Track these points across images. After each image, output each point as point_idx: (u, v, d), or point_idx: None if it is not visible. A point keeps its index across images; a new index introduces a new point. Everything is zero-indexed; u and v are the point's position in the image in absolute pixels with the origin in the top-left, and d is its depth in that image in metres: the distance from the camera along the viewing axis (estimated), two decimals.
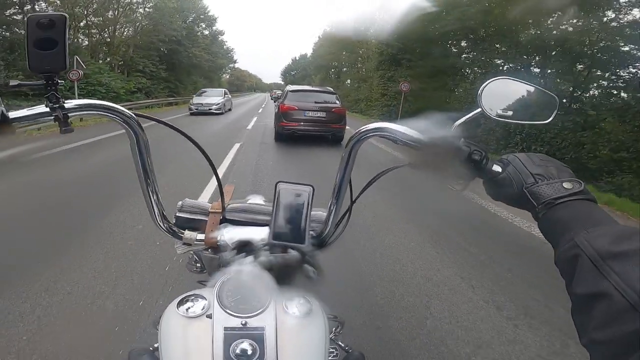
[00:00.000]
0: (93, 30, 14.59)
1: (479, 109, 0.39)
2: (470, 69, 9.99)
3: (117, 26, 15.31)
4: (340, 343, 0.55)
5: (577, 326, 0.28)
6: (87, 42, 14.14)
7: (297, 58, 66.19)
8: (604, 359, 0.25)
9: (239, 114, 12.83)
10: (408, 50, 11.77)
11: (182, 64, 20.95)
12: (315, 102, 6.07)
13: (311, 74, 41.77)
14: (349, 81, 23.93)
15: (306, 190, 0.45)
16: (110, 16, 14.97)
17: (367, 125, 0.42)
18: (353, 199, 0.48)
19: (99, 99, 0.39)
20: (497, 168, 0.37)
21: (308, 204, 0.44)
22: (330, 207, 0.48)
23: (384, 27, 14.06)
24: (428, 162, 0.39)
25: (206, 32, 26.56)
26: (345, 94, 19.11)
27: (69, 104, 0.37)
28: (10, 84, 0.37)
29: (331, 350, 0.54)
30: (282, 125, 5.93)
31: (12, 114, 0.35)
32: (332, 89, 6.87)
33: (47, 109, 0.36)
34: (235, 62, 44.65)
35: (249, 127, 8.32)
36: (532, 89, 0.41)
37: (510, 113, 0.40)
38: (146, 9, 16.72)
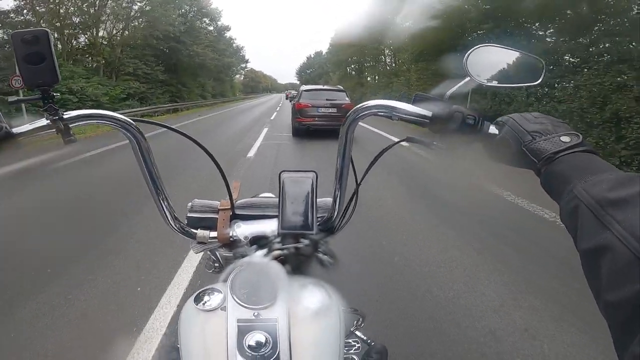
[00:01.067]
0: (69, 31, 12.85)
1: (467, 78, 0.42)
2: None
3: (105, 24, 13.68)
4: (362, 336, 0.57)
5: (592, 290, 0.27)
6: (60, 45, 12.51)
7: (312, 56, 67.97)
8: (621, 323, 0.23)
9: (238, 128, 9.32)
10: (459, 35, 9.17)
11: (183, 64, 19.22)
12: (327, 100, 7.31)
13: (328, 70, 41.22)
14: (371, 77, 22.43)
15: (309, 176, 0.48)
16: (91, 12, 13.34)
17: (362, 103, 0.45)
18: (358, 182, 0.51)
19: (73, 109, 0.42)
20: (493, 130, 0.40)
21: (313, 190, 0.47)
22: (335, 192, 0.51)
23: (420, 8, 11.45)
24: (425, 133, 0.42)
25: (210, 28, 24.89)
26: (373, 91, 17.38)
27: (68, 114, 0.41)
28: (9, 100, 0.42)
29: (353, 343, 0.56)
30: (299, 121, 7.18)
31: (16, 130, 0.39)
32: (342, 87, 8.50)
33: (48, 122, 0.39)
34: (247, 61, 44.98)
35: (250, 155, 5.18)
36: (516, 53, 0.44)
37: (497, 78, 0.43)
38: (137, 2, 14.89)
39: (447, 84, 0.43)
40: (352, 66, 27.19)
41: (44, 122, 0.40)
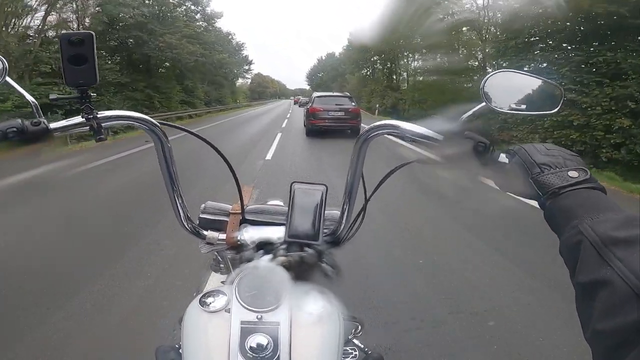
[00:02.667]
0: None
1: (484, 103, 0.48)
2: None
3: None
4: (359, 344, 0.63)
5: (580, 319, 0.31)
6: None
7: (324, 58, 66.61)
8: (607, 351, 0.28)
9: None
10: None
11: (154, 61, 15.22)
12: (336, 105, 9.85)
13: (344, 72, 39.80)
14: (411, 77, 18.98)
15: (320, 189, 0.55)
16: None
17: (374, 123, 0.52)
18: (367, 197, 0.58)
19: None
20: (503, 159, 0.45)
21: (322, 203, 0.54)
22: (343, 206, 0.58)
23: None
24: (436, 156, 0.47)
25: (196, 16, 20.09)
26: (415, 99, 15.14)
27: (102, 114, 0.49)
28: (50, 97, 0.49)
29: (350, 351, 0.61)
30: (312, 122, 9.82)
31: (53, 125, 0.46)
32: (349, 94, 11.76)
33: (83, 120, 0.47)
34: (251, 62, 40.98)
35: None
36: (535, 80, 0.50)
37: (514, 105, 0.49)
38: None
39: (463, 107, 0.48)
40: (378, 66, 24.28)
41: (79, 119, 0.47)
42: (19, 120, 0.45)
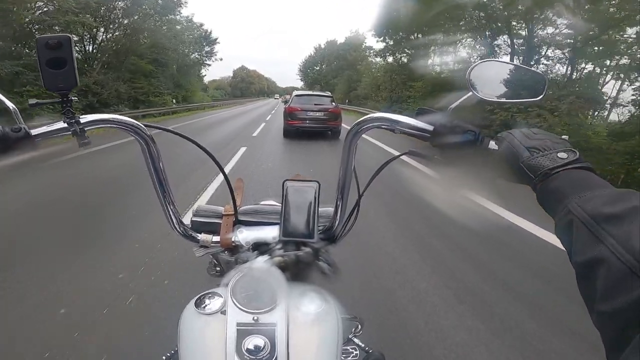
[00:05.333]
0: None
1: (470, 92, 0.53)
2: None
3: None
4: (360, 343, 0.69)
5: (585, 301, 0.34)
6: None
7: (323, 46, 58.00)
8: (613, 333, 0.29)
9: None
10: None
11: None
12: (315, 104, 10.12)
13: (356, 61, 34.52)
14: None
15: (312, 186, 0.61)
16: None
17: (364, 117, 0.58)
18: (360, 193, 0.64)
19: None
20: (493, 146, 0.51)
21: (315, 200, 0.60)
22: (336, 202, 0.65)
23: None
24: (426, 147, 0.54)
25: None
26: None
27: (84, 118, 0.52)
28: (29, 103, 0.52)
29: (351, 350, 0.68)
30: (289, 123, 9.97)
31: (34, 131, 0.50)
32: (329, 93, 11.92)
33: (65, 125, 0.50)
34: (214, 41, 33.80)
35: None
36: (518, 69, 0.57)
37: (500, 93, 0.55)
38: None
39: (450, 98, 0.53)
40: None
41: (61, 124, 0.51)
42: None
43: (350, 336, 0.71)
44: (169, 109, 20.46)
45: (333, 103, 10.60)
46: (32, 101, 0.51)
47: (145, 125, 0.59)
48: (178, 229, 0.67)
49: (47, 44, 0.47)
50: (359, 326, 0.74)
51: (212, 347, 0.45)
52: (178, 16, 24.92)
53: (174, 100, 23.27)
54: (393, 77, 21.34)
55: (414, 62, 20.10)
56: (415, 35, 20.23)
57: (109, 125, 0.56)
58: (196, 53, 32.83)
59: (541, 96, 0.56)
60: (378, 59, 27.00)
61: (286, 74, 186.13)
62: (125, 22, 18.56)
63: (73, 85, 0.48)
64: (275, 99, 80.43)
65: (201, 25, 32.92)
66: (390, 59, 24.40)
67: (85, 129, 0.53)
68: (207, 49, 34.68)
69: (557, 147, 0.45)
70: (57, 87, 0.48)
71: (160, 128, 0.66)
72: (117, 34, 18.64)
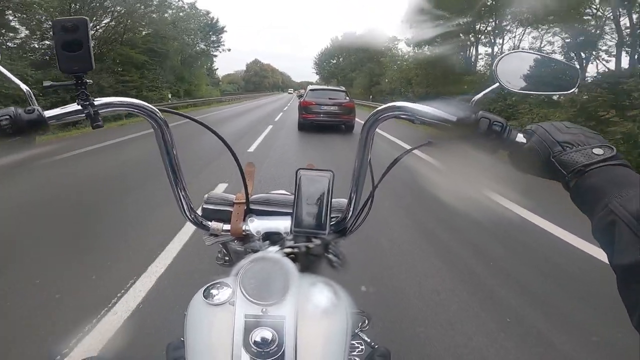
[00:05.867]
0: None
1: (497, 84, 0.53)
2: None
3: None
4: (366, 338, 0.70)
5: (625, 304, 0.33)
6: None
7: (340, 37, 56.47)
8: None
9: None
10: None
11: None
12: (330, 99, 10.69)
13: (378, 52, 31.10)
14: None
15: (326, 175, 0.61)
16: None
17: (382, 106, 0.57)
18: (375, 184, 0.64)
19: None
20: (521, 139, 0.49)
21: (328, 191, 0.60)
22: (350, 194, 0.64)
23: None
24: (449, 138, 0.53)
25: None
26: None
27: (99, 101, 0.53)
28: (44, 84, 0.54)
29: (357, 345, 0.69)
30: (304, 116, 10.66)
31: (47, 113, 0.51)
32: (343, 88, 12.38)
33: (79, 107, 0.52)
34: (221, 30, 31.58)
35: None
36: (549, 60, 0.55)
37: (528, 85, 0.54)
38: None
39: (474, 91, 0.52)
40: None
41: (75, 107, 0.53)
42: (12, 109, 0.49)
43: (356, 331, 0.72)
44: (164, 106, 14.58)
45: (347, 98, 11.12)
46: (47, 83, 0.53)
47: (161, 110, 0.60)
48: (189, 216, 0.68)
49: (63, 27, 0.48)
50: (366, 321, 0.75)
51: (220, 338, 0.46)
52: (180, 2, 23.23)
53: (170, 95, 21.22)
54: (429, 71, 18.57)
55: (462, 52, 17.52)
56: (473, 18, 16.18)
57: (123, 108, 0.57)
58: (202, 43, 30.25)
59: (573, 89, 0.55)
60: (408, 49, 24.40)
61: (301, 69, 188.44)
62: (110, 5, 17.00)
63: (88, 68, 0.49)
64: (289, 93, 79.91)
65: (207, 13, 30.08)
66: (425, 49, 20.88)
67: (100, 111, 0.54)
68: (213, 38, 31.77)
69: (591, 142, 0.44)
70: (72, 70, 0.50)
71: (174, 112, 0.68)
72: (105, 20, 17.29)
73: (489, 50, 16.79)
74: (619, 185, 0.38)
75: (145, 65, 19.03)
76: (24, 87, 0.51)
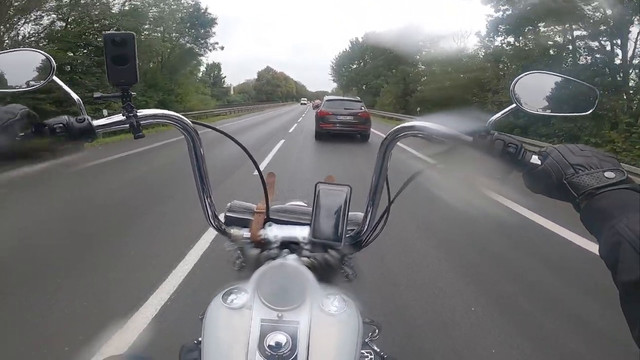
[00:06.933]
0: None
1: (514, 105, 0.57)
2: None
3: None
4: (375, 348, 0.75)
5: (627, 320, 0.36)
6: None
7: (361, 39, 52.65)
8: None
9: None
10: None
11: None
12: (345, 109, 11.87)
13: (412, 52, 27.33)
14: None
15: (344, 190, 0.67)
16: None
17: (400, 125, 0.62)
18: (391, 200, 0.70)
19: None
20: (535, 160, 0.53)
21: (346, 204, 0.66)
22: (367, 208, 0.70)
23: None
24: (464, 158, 0.57)
25: None
26: None
27: (142, 112, 0.60)
28: (94, 96, 0.61)
29: (366, 354, 0.73)
30: (321, 126, 11.78)
31: (95, 123, 0.58)
32: (359, 98, 13.70)
33: (124, 118, 0.58)
34: (212, 22, 25.25)
35: None
36: (567, 81, 0.58)
37: (546, 106, 0.57)
38: None
39: (490, 109, 0.61)
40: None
41: (120, 117, 0.59)
42: (65, 117, 0.56)
43: (366, 340, 0.76)
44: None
45: (363, 108, 12.32)
46: (97, 94, 0.60)
47: (193, 122, 0.68)
48: (213, 222, 0.75)
49: (114, 41, 0.55)
50: (377, 330, 0.79)
51: (235, 341, 0.51)
52: None
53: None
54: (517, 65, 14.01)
55: None
56: None
57: (162, 120, 0.65)
58: (184, 39, 24.08)
59: (591, 110, 0.58)
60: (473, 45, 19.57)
61: (316, 78, 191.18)
62: None
63: (134, 81, 0.56)
64: (302, 104, 75.71)
65: (195, 3, 24.13)
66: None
67: (141, 122, 0.60)
68: (202, 30, 25.11)
69: (604, 165, 0.47)
70: (120, 82, 0.57)
71: (205, 125, 0.75)
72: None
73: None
74: (627, 208, 0.42)
75: (77, 67, 14.94)
76: (76, 97, 0.59)
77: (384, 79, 36.71)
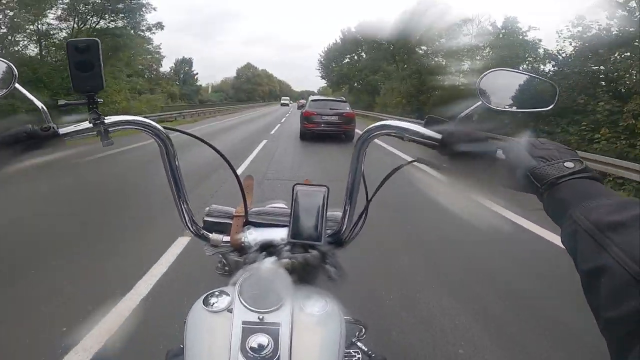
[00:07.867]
0: None
1: (480, 102, 0.61)
2: None
3: None
4: (363, 347, 0.78)
5: (592, 309, 0.38)
6: None
7: (354, 29, 44.81)
8: (617, 341, 0.33)
9: None
10: None
11: None
12: (331, 109, 12.31)
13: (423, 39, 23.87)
14: None
15: (321, 190, 0.72)
16: None
17: (373, 124, 0.67)
18: (369, 198, 0.74)
19: None
20: (500, 155, 0.57)
21: (323, 204, 0.70)
22: (344, 207, 0.74)
23: None
24: (434, 155, 0.61)
25: None
26: None
27: (109, 119, 0.61)
28: (59, 103, 0.61)
29: (353, 353, 0.77)
30: (306, 126, 12.22)
31: (62, 130, 0.58)
32: (344, 98, 14.09)
33: (91, 125, 0.59)
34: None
35: None
36: (529, 78, 0.63)
37: (510, 102, 0.61)
38: None
39: (460, 107, 0.60)
40: None
41: (87, 125, 0.60)
42: (29, 126, 0.57)
43: (353, 340, 0.80)
44: None
45: (347, 108, 12.75)
46: (62, 101, 0.62)
47: (164, 128, 0.69)
48: (191, 228, 0.77)
49: (77, 47, 0.56)
50: (363, 330, 0.83)
51: (218, 344, 0.53)
52: None
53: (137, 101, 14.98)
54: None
55: None
56: None
57: (131, 126, 0.66)
58: (101, 18, 19.08)
59: (552, 105, 0.63)
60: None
61: (302, 77, 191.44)
62: None
63: (100, 88, 0.57)
64: (282, 104, 69.33)
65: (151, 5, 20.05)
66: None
67: (110, 129, 0.62)
68: (137, 12, 19.87)
69: (564, 156, 0.51)
70: (85, 89, 0.58)
71: (176, 130, 0.76)
72: None
73: None
74: (584, 196, 0.45)
75: None
76: (40, 105, 0.59)
77: (383, 75, 31.54)
